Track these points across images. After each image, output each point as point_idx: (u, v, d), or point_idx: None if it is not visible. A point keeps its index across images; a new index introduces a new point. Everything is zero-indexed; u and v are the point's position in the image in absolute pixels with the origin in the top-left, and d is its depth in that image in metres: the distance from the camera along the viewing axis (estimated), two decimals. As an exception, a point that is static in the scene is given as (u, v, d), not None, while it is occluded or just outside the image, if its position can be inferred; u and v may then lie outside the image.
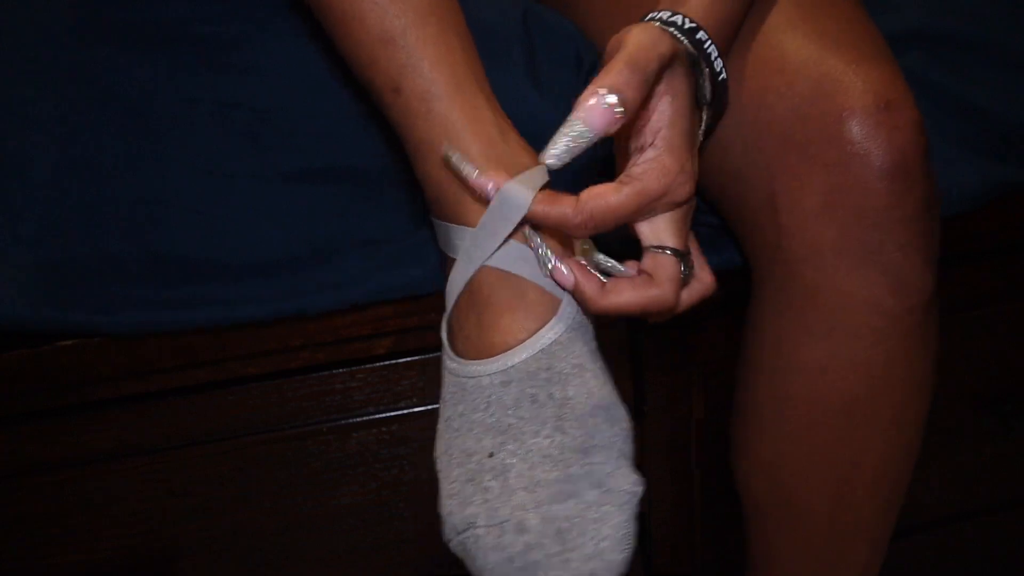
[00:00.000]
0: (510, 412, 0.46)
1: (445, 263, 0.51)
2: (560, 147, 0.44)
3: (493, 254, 0.47)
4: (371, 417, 0.67)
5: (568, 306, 0.48)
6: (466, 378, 0.48)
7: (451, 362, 0.50)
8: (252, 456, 0.66)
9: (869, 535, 0.61)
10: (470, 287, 0.49)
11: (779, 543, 0.62)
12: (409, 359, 0.66)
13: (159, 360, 0.59)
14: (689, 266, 0.49)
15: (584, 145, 0.44)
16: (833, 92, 0.50)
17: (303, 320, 0.60)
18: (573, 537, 0.43)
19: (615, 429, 0.46)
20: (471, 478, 0.46)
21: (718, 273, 0.63)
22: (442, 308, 0.54)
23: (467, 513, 0.45)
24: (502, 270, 0.48)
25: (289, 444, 0.66)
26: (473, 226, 0.48)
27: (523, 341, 0.47)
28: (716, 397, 0.72)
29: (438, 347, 0.65)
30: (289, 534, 0.69)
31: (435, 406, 0.67)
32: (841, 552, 0.61)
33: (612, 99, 0.43)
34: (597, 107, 0.43)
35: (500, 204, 0.46)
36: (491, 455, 0.45)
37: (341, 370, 0.65)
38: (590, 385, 0.47)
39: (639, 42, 0.45)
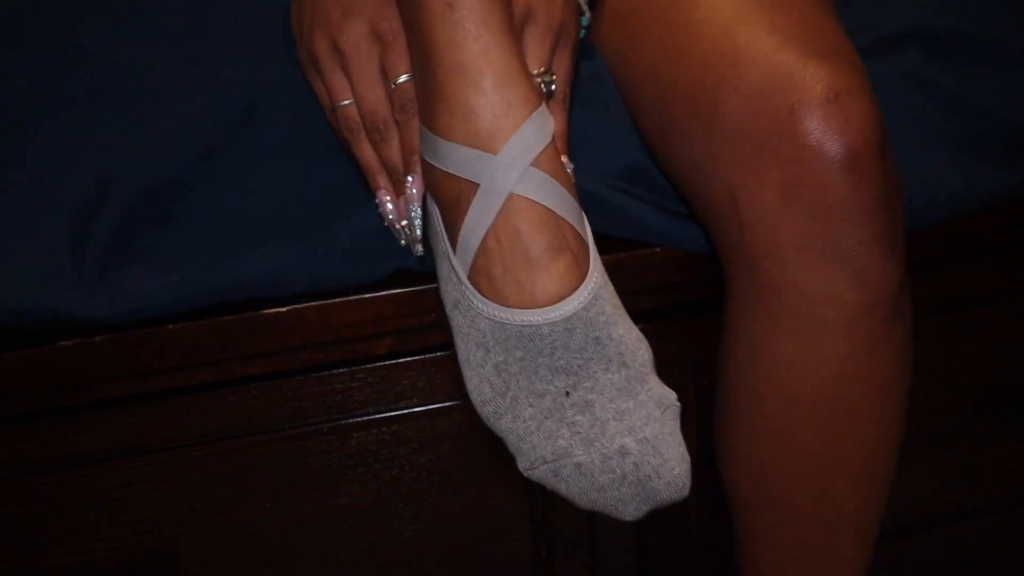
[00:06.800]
0: (576, 355, 0.49)
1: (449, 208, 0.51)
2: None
3: (519, 181, 0.48)
4: (371, 417, 0.67)
5: (592, 243, 0.51)
6: (521, 325, 0.49)
7: (496, 311, 0.49)
8: (252, 456, 0.66)
9: (854, 529, 0.61)
10: (503, 225, 0.49)
11: (766, 541, 0.62)
12: (409, 359, 0.66)
13: (159, 360, 0.59)
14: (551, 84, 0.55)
15: None
16: (784, 86, 0.50)
17: (303, 320, 0.60)
18: (666, 448, 0.49)
19: (649, 354, 0.51)
20: (548, 415, 0.49)
21: (702, 257, 0.63)
22: (441, 306, 0.54)
23: (558, 445, 0.49)
24: (532, 201, 0.48)
25: (289, 444, 0.66)
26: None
27: (576, 287, 0.49)
28: (707, 395, 0.71)
29: (438, 347, 0.65)
30: (289, 534, 0.69)
31: (435, 405, 0.67)
32: (826, 547, 0.61)
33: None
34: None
35: (535, 125, 0.49)
36: (567, 394, 0.49)
37: (341, 370, 0.65)
38: (627, 319, 0.51)
39: None
